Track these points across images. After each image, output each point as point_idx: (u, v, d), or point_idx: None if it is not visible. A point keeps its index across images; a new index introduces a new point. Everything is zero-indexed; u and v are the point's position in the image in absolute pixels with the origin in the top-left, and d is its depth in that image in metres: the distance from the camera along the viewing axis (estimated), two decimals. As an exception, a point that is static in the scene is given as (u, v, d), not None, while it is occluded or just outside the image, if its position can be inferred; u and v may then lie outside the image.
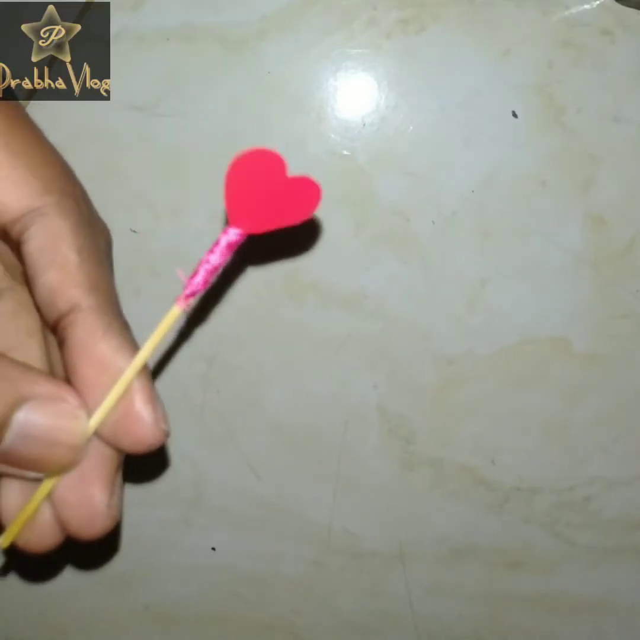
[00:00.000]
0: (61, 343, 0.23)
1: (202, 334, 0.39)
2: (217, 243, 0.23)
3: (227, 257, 0.23)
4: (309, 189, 0.24)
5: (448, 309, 0.39)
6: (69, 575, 0.43)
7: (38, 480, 0.23)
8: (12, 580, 0.43)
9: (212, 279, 0.23)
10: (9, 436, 0.21)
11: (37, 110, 0.37)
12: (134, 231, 0.39)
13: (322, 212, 0.38)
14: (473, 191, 0.38)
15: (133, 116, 0.38)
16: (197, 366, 0.40)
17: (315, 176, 0.38)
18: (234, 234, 0.23)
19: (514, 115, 0.37)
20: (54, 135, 0.38)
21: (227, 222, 0.24)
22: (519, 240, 0.38)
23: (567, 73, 0.36)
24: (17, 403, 0.21)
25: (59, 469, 0.22)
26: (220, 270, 0.24)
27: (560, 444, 0.40)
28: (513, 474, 0.41)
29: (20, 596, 0.44)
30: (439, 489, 0.41)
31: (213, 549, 0.42)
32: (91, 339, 0.22)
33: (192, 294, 0.24)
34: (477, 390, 0.40)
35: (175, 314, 0.24)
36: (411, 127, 0.37)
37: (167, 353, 0.40)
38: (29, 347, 0.26)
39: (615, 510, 0.41)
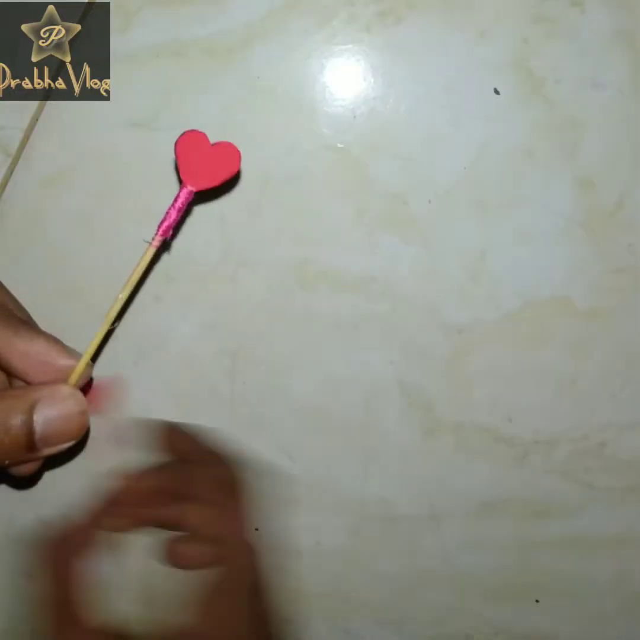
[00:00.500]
0: (4, 365, 0.30)
1: (224, 332, 0.42)
2: (176, 198, 0.31)
3: (183, 207, 0.31)
4: (230, 150, 0.31)
5: (452, 281, 0.41)
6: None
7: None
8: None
9: (174, 224, 0.31)
10: (38, 426, 0.29)
11: (41, 136, 0.39)
12: (148, 242, 0.41)
13: (324, 204, 0.40)
14: (465, 168, 0.39)
15: (133, 132, 0.39)
16: (222, 362, 0.42)
17: (313, 170, 0.40)
18: (186, 190, 0.31)
19: (496, 92, 0.38)
20: (61, 159, 0.40)
21: (181, 183, 0.31)
22: (513, 210, 0.40)
23: (542, 46, 0.38)
24: (32, 405, 0.29)
25: (81, 430, 0.30)
26: (179, 219, 0.31)
27: (571, 396, 0.42)
28: (530, 429, 0.43)
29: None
30: (462, 451, 0.43)
31: (256, 529, 0.45)
32: (9, 343, 0.30)
33: (163, 234, 0.31)
34: (488, 354, 0.42)
35: (150, 254, 0.31)
36: (400, 114, 0.39)
37: (193, 353, 0.42)
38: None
39: (629, 452, 0.43)
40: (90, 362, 0.31)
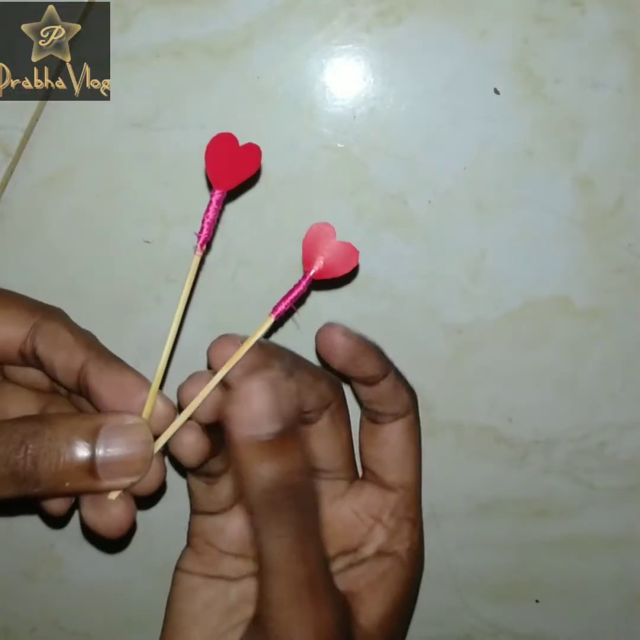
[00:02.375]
0: (86, 391, 0.31)
1: (224, 332, 0.41)
2: (210, 203, 0.32)
3: (217, 212, 0.32)
4: (254, 150, 0.32)
5: (453, 282, 0.41)
6: (123, 568, 0.46)
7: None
8: (70, 575, 0.46)
9: (212, 229, 0.32)
10: (100, 450, 0.29)
11: (41, 136, 0.39)
12: (148, 242, 0.41)
13: (324, 204, 0.40)
14: (465, 168, 0.39)
15: (133, 133, 0.40)
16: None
17: (313, 170, 0.40)
18: (217, 194, 0.32)
19: (496, 92, 0.38)
20: (61, 159, 0.40)
21: (211, 187, 0.32)
22: (513, 210, 0.40)
23: (542, 46, 0.38)
24: (97, 428, 0.30)
25: (144, 464, 0.30)
26: (215, 222, 0.32)
27: (571, 396, 0.42)
28: (530, 429, 0.43)
29: (78, 590, 0.46)
30: (462, 451, 0.43)
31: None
32: (101, 371, 0.31)
33: (204, 242, 0.32)
34: (488, 354, 0.42)
35: (196, 261, 0.32)
36: (400, 114, 0.39)
37: (193, 353, 0.42)
38: None
39: (629, 452, 0.43)
40: (174, 405, 0.32)
